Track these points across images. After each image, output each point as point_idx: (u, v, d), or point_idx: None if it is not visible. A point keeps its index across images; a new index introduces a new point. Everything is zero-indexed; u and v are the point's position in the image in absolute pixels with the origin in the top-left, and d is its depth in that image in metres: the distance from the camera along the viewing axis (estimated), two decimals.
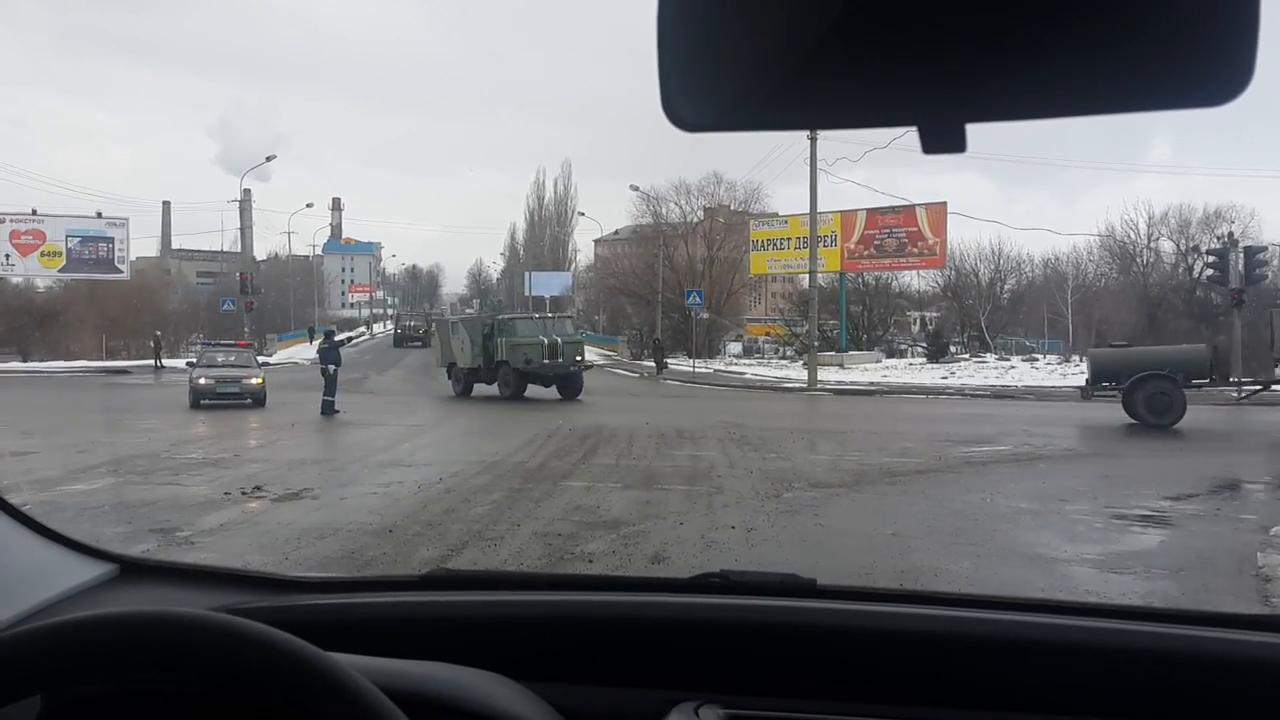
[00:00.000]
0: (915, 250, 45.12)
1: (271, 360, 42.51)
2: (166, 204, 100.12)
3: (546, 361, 26.61)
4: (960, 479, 12.63)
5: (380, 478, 12.27)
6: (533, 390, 26.88)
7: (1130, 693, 1.35)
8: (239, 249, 61.38)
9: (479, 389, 28.21)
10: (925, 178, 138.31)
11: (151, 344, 43.68)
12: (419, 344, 59.19)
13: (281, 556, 8.03)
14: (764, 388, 34.17)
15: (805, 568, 1.71)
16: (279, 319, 66.21)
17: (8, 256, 50.18)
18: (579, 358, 27.88)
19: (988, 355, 45.07)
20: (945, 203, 45.14)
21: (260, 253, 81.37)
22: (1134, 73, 0.63)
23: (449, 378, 29.57)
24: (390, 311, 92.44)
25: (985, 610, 1.51)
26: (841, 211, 45.95)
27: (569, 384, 27.10)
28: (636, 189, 61.22)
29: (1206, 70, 0.62)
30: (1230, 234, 38.63)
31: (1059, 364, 38.95)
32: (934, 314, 61.27)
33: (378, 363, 44.83)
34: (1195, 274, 48.28)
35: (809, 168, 34.69)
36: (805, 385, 32.96)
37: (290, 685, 0.88)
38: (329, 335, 25.01)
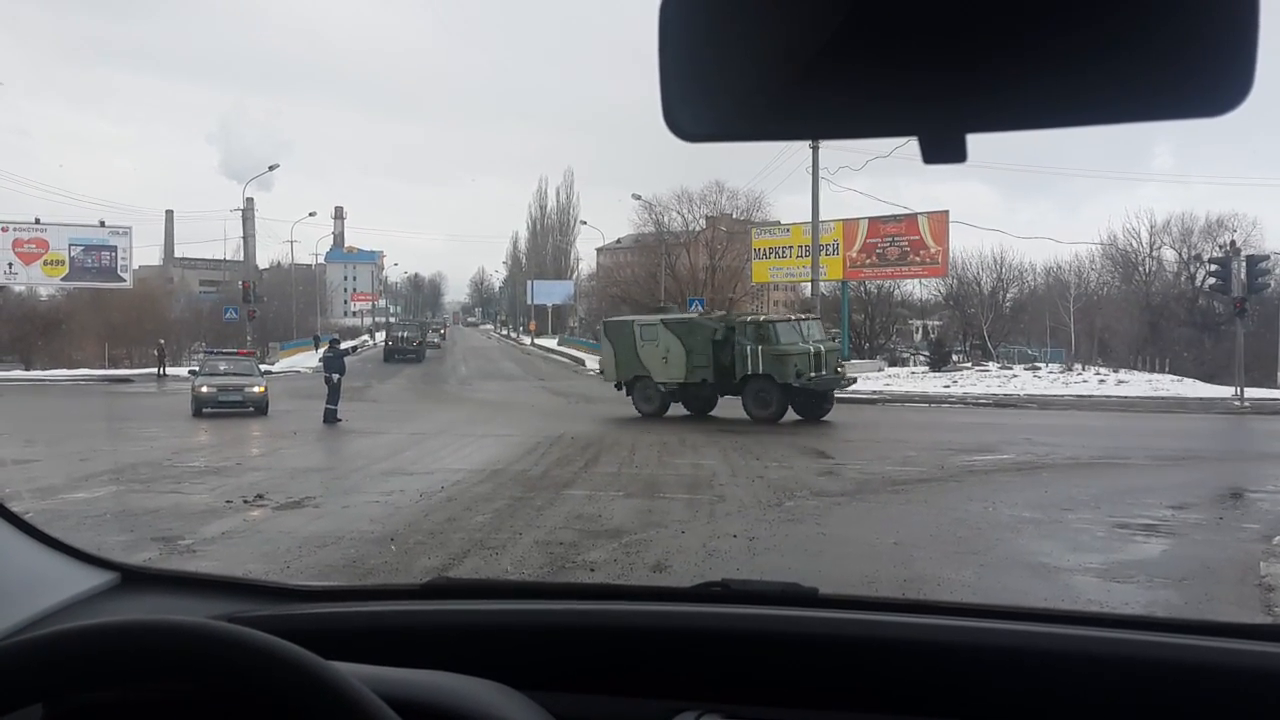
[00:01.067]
0: (917, 259, 45.09)
1: (274, 369, 42.51)
2: (169, 213, 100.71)
3: (813, 375, 21.65)
4: (963, 488, 12.61)
5: (382, 486, 12.27)
6: (535, 393, 26.39)
7: (1132, 703, 1.35)
8: (242, 257, 61.52)
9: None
10: (927, 186, 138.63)
11: (154, 352, 43.71)
12: (413, 357, 54.73)
13: (283, 565, 8.02)
14: None
15: (807, 577, 1.71)
16: (281, 327, 66.20)
17: (11, 265, 50.27)
18: (839, 368, 23.15)
19: (990, 364, 45.06)
20: (947, 211, 45.05)
21: (263, 261, 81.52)
22: (1134, 83, 0.63)
23: (628, 394, 23.97)
24: (393, 319, 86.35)
25: (988, 620, 1.50)
26: (843, 220, 45.96)
27: (824, 401, 22.21)
28: (639, 198, 61.09)
29: (1206, 81, 0.62)
30: (1232, 243, 38.65)
31: (1061, 373, 38.96)
32: (936, 322, 61.22)
33: (379, 371, 44.85)
34: (1197, 283, 48.35)
35: (811, 176, 34.74)
36: None
37: (292, 694, 0.88)
38: (333, 344, 24.97)
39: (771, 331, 22.16)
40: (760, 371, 21.76)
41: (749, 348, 21.95)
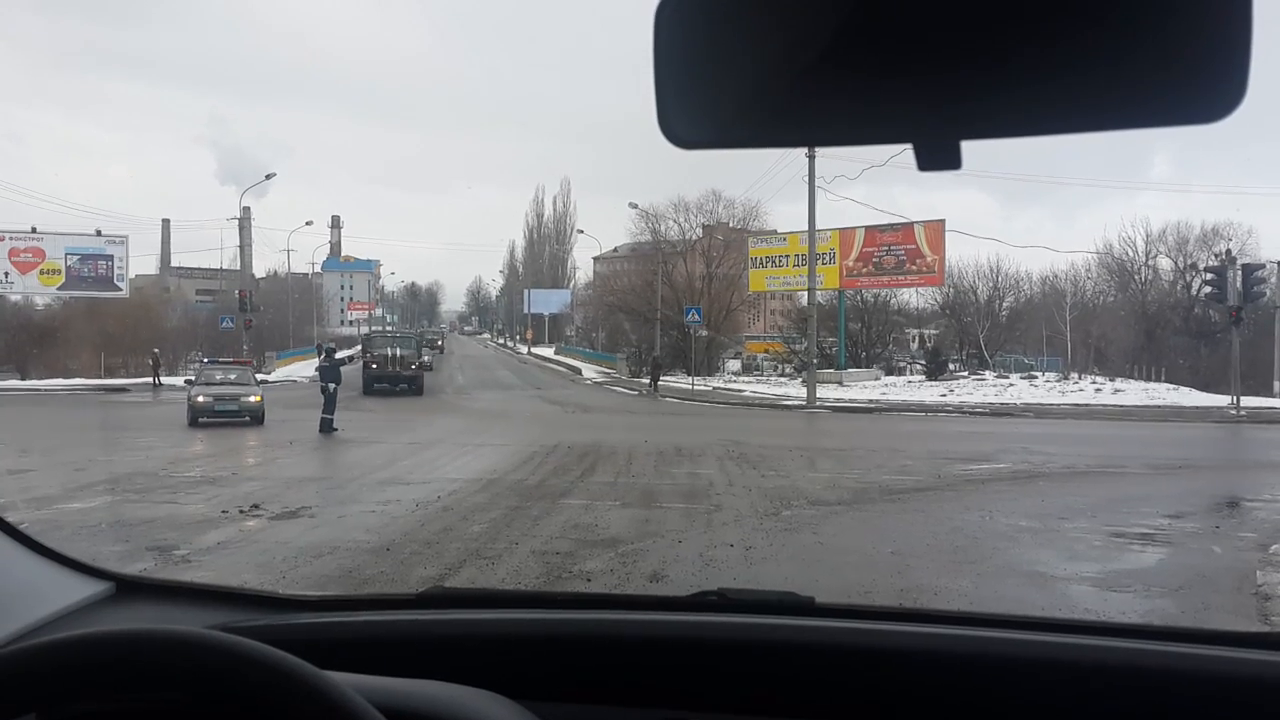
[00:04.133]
0: (914, 268, 45.21)
1: (270, 378, 42.46)
2: (166, 222, 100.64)
3: None
4: (959, 497, 12.60)
5: (378, 496, 12.24)
6: (531, 402, 26.29)
7: (1130, 711, 1.34)
8: (238, 267, 61.41)
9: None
10: (924, 195, 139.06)
11: (150, 362, 43.64)
12: (406, 387, 37.11)
13: (279, 575, 7.99)
14: (763, 405, 34.16)
15: (804, 586, 1.71)
16: (278, 337, 66.16)
17: (7, 274, 50.24)
18: None
19: (986, 372, 45.11)
20: (943, 220, 45.27)
21: (259, 270, 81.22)
22: (1129, 90, 0.63)
23: None
24: (389, 329, 69.97)
25: (984, 629, 1.50)
26: (840, 229, 46.07)
27: None
28: (635, 207, 61.40)
29: (1201, 87, 0.63)
30: (1228, 251, 38.75)
31: (1057, 381, 39.02)
32: (932, 331, 61.33)
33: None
34: (1193, 292, 48.44)
35: (807, 185, 34.82)
36: (804, 402, 32.94)
37: (287, 704, 0.88)
38: (330, 353, 24.94)
39: None
40: None
41: None
